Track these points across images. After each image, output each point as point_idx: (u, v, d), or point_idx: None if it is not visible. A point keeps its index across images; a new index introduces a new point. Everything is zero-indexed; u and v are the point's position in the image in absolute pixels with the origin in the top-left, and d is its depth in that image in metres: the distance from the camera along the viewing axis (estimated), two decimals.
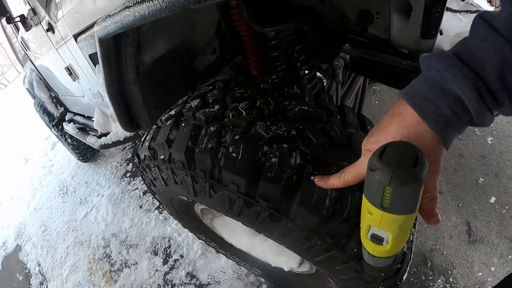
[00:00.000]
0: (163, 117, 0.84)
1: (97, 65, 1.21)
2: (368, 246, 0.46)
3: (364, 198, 0.43)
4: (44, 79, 2.19)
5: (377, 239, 0.43)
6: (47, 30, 1.48)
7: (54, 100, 2.28)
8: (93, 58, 1.30)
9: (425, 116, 0.39)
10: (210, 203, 0.76)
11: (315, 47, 0.96)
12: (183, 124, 0.75)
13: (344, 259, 0.63)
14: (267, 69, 1.11)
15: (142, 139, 0.89)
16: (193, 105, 0.78)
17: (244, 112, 0.70)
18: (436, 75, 0.38)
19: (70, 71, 1.64)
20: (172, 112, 0.82)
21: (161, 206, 2.21)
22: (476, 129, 2.03)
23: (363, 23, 0.82)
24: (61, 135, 2.54)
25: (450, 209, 1.66)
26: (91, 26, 1.10)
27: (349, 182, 0.50)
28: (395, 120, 0.41)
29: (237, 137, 0.66)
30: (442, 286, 1.40)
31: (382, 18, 0.77)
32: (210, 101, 0.78)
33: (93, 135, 1.85)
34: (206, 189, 0.72)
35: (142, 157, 0.86)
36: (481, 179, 1.76)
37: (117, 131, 1.60)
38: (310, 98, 0.77)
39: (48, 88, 2.23)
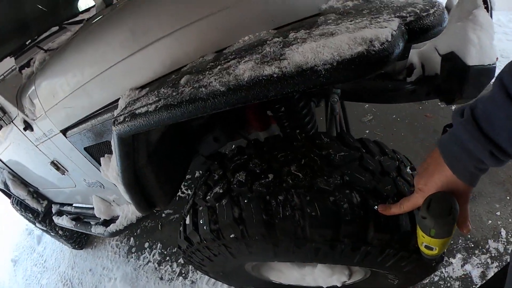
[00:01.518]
0: (209, 197, 0.88)
1: (102, 158, 1.19)
2: (424, 251, 0.66)
3: (418, 227, 0.63)
4: (19, 175, 2.05)
5: (428, 248, 0.64)
6: (24, 129, 1.41)
7: (35, 195, 2.14)
8: (90, 150, 1.29)
9: (457, 173, 0.54)
10: (291, 257, 0.85)
11: (311, 92, 1.09)
12: (245, 200, 0.81)
13: (408, 256, 0.79)
14: (266, 118, 1.23)
15: (186, 225, 0.94)
16: (242, 179, 0.84)
17: (300, 174, 0.79)
18: (464, 142, 0.52)
19: (57, 165, 1.59)
20: (219, 190, 0.87)
21: (184, 272, 2.16)
22: (440, 103, 2.30)
23: None
24: (50, 229, 2.37)
25: None
26: (85, 120, 1.11)
27: (406, 211, 0.67)
28: (437, 171, 0.56)
29: (308, 198, 0.75)
30: (463, 244, 1.58)
31: None
32: (257, 171, 0.84)
33: (97, 224, 1.77)
34: (290, 249, 0.80)
35: (196, 240, 0.91)
36: None
37: (127, 214, 1.57)
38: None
39: (25, 184, 2.09)
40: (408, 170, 0.87)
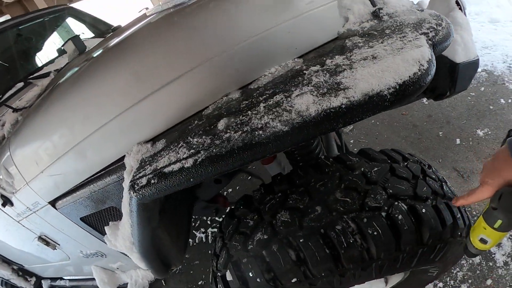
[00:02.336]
0: (251, 246, 0.81)
1: (108, 227, 1.03)
2: (476, 244, 0.68)
3: (482, 219, 0.64)
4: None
5: (483, 241, 0.65)
6: (3, 205, 1.22)
7: (21, 273, 1.89)
8: (88, 220, 1.14)
9: None
10: (354, 282, 0.83)
11: None
12: (301, 240, 0.76)
13: (454, 244, 0.85)
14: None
15: (229, 281, 0.85)
16: (287, 219, 0.79)
17: (347, 198, 0.77)
18: None
19: (46, 241, 1.40)
20: (263, 236, 0.81)
21: None
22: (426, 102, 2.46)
23: None
24: None
25: (437, 168, 1.99)
26: (80, 186, 0.97)
27: (471, 202, 0.70)
28: (505, 168, 0.60)
29: (364, 220, 0.73)
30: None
31: None
32: (301, 206, 0.81)
33: None
34: (356, 274, 0.78)
35: None
36: (440, 132, 2.17)
37: (137, 280, 1.44)
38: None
39: (8, 262, 1.85)
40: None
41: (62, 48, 1.51)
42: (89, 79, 0.84)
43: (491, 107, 2.21)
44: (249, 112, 0.62)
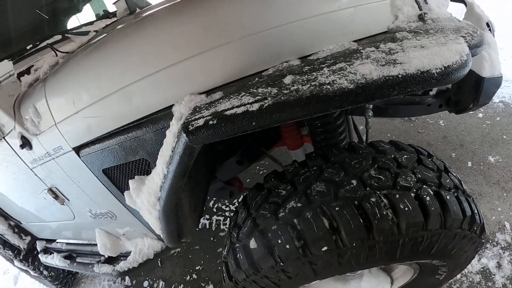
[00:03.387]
0: (283, 213, 0.86)
1: (132, 181, 1.03)
2: None
3: None
4: None
5: None
6: (21, 146, 1.18)
7: (16, 230, 1.89)
8: (110, 173, 1.14)
9: None
10: (377, 262, 0.89)
11: (346, 109, 1.19)
12: (336, 208, 0.81)
13: (472, 236, 0.93)
14: (300, 135, 1.31)
15: (252, 249, 0.89)
16: (322, 189, 0.85)
17: (381, 176, 0.84)
18: None
19: (55, 194, 1.40)
20: (296, 204, 0.86)
21: None
22: (428, 119, 2.61)
23: None
24: (32, 269, 2.09)
25: None
26: (115, 133, 0.97)
27: None
28: None
29: (397, 196, 0.81)
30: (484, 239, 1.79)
31: None
32: (336, 179, 0.87)
33: (99, 263, 1.58)
34: (382, 250, 0.84)
35: (268, 265, 0.87)
36: (453, 154, 2.27)
37: (141, 249, 1.42)
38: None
39: (5, 216, 1.85)
40: None
41: (114, 4, 1.58)
42: (153, 25, 0.86)
43: (505, 137, 2.32)
44: (314, 73, 0.70)
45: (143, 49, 0.84)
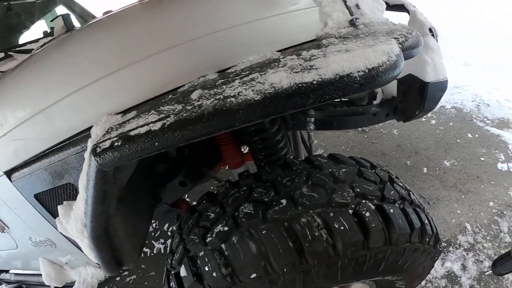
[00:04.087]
0: (210, 239, 0.76)
1: (61, 206, 0.94)
2: None
3: None
4: None
5: None
6: None
7: None
8: (41, 198, 1.04)
9: None
10: (318, 284, 0.78)
11: (285, 121, 1.12)
12: (263, 232, 0.71)
13: (423, 248, 0.85)
14: (240, 153, 1.22)
15: (182, 277, 0.79)
16: (250, 211, 0.76)
17: (314, 194, 0.75)
18: None
19: None
20: (223, 228, 0.76)
21: None
22: (382, 129, 2.59)
23: None
24: None
25: None
26: (41, 156, 0.89)
27: None
28: None
29: (331, 214, 0.72)
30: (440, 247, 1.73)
31: None
32: (265, 199, 0.77)
33: None
34: (320, 273, 0.74)
35: None
36: (408, 161, 2.23)
37: (85, 279, 1.31)
38: None
39: None
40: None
41: (51, 22, 1.46)
42: (70, 44, 0.81)
43: (459, 141, 2.31)
44: (224, 86, 0.60)
45: (62, 68, 0.80)
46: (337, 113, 1.19)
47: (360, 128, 2.63)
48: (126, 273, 2.05)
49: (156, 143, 0.56)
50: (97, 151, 0.60)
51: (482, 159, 2.15)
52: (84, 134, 0.79)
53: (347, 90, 0.53)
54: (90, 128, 0.77)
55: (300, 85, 0.52)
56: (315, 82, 0.52)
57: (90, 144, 0.73)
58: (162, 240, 2.07)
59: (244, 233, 0.72)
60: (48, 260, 1.35)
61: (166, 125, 0.55)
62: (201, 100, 0.57)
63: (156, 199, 1.24)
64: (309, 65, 0.57)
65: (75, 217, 0.89)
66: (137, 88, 0.73)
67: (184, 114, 0.55)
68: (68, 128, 0.81)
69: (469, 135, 2.37)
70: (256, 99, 0.52)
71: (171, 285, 0.84)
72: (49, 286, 1.42)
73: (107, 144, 0.60)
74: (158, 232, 2.13)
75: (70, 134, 0.82)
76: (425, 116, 2.59)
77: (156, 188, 1.22)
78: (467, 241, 1.66)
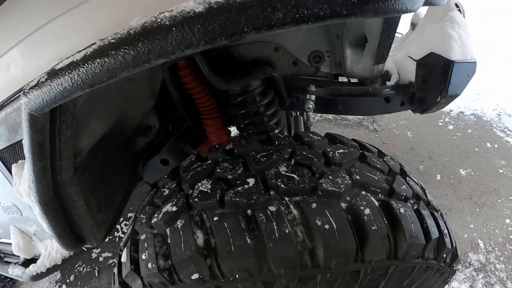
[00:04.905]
0: (155, 219, 0.56)
1: (15, 165, 0.84)
2: None
3: None
4: None
5: None
6: None
7: None
8: (3, 157, 0.90)
9: None
10: None
11: (280, 97, 0.90)
12: (215, 218, 0.49)
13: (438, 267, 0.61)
14: (226, 131, 1.02)
15: (122, 263, 0.61)
16: (206, 189, 0.54)
17: (294, 175, 0.52)
18: None
19: None
20: (171, 208, 0.56)
21: None
22: (395, 130, 2.29)
23: (316, 64, 0.84)
24: None
25: None
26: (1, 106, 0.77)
27: None
28: None
29: (313, 205, 0.48)
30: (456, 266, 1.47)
31: (333, 55, 0.82)
32: (229, 177, 0.55)
33: (15, 264, 1.30)
34: None
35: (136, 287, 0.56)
36: (420, 166, 1.94)
37: (50, 252, 1.16)
38: None
39: None
40: None
41: None
42: None
43: (477, 149, 2.00)
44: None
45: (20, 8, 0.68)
46: (343, 91, 0.92)
47: (371, 127, 2.34)
48: (109, 254, 1.92)
49: (77, 76, 0.45)
50: (25, 91, 0.52)
51: (501, 171, 1.85)
52: None
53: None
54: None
55: None
56: None
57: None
58: None
59: (192, 218, 0.50)
60: (19, 229, 1.21)
61: (88, 53, 0.45)
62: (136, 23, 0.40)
63: (134, 177, 1.07)
64: None
65: (25, 177, 0.77)
66: (87, 29, 0.58)
67: (109, 39, 0.43)
68: (23, 76, 0.69)
69: (488, 144, 2.06)
70: (197, 11, 0.34)
71: (115, 270, 0.66)
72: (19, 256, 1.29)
73: (34, 82, 0.52)
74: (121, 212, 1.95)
75: (25, 82, 0.68)
76: (442, 120, 2.29)
77: (134, 165, 1.05)
78: (478, 260, 1.40)
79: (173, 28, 0.34)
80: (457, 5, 0.89)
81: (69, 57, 0.49)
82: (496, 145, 2.05)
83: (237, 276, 0.45)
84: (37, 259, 1.24)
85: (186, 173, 0.61)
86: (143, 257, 0.52)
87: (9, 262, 1.39)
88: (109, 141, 0.88)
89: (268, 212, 0.46)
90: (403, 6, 0.36)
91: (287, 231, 0.44)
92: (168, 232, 0.52)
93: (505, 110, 2.45)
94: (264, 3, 0.31)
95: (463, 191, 1.71)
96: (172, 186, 0.60)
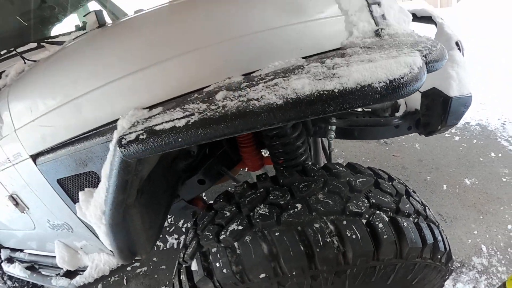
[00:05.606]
0: (224, 236, 0.78)
1: (82, 192, 0.99)
2: None
3: None
4: None
5: None
6: None
7: None
8: (64, 183, 1.10)
9: None
10: None
11: (306, 127, 1.13)
12: (276, 234, 0.73)
13: (434, 265, 0.85)
14: (260, 156, 1.24)
15: (193, 271, 0.81)
16: (265, 212, 0.78)
17: (329, 200, 0.77)
18: None
19: (16, 201, 1.34)
20: (237, 227, 0.78)
21: None
22: (404, 142, 2.54)
23: None
24: None
25: None
26: (67, 144, 0.94)
27: None
28: None
29: (344, 222, 0.73)
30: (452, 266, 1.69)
31: None
32: (281, 202, 0.79)
33: (58, 276, 1.49)
34: (328, 281, 0.76)
35: None
36: (428, 177, 2.19)
37: (98, 265, 1.34)
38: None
39: None
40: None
41: (84, 16, 1.53)
42: (103, 39, 0.87)
43: (481, 159, 2.25)
44: (248, 89, 0.62)
45: (93, 62, 0.85)
46: (358, 122, 1.19)
47: (381, 140, 2.59)
48: (137, 264, 2.10)
49: (180, 139, 0.59)
50: (123, 142, 0.64)
51: (504, 179, 2.08)
52: (110, 126, 0.84)
53: (367, 100, 0.55)
54: (116, 120, 0.80)
55: (321, 92, 0.54)
56: (336, 90, 0.54)
57: (116, 135, 0.77)
58: (176, 236, 2.12)
59: (257, 234, 0.74)
60: (64, 244, 1.41)
61: (190, 123, 0.58)
62: (225, 101, 0.60)
63: (174, 195, 1.27)
64: (332, 73, 0.58)
65: (95, 204, 0.93)
66: (164, 86, 0.77)
67: (208, 113, 0.58)
68: (95, 118, 0.85)
69: (493, 154, 2.30)
70: (278, 103, 0.54)
71: (181, 278, 0.87)
72: (61, 268, 1.48)
73: (132, 136, 0.64)
74: (173, 228, 2.18)
75: (97, 124, 0.86)
76: (448, 131, 2.55)
77: (175, 184, 1.25)
78: (481, 263, 1.61)
79: (262, 115, 0.55)
80: (457, 43, 1.08)
81: (168, 121, 0.62)
82: (500, 154, 2.29)
83: (293, 273, 0.71)
84: (80, 270, 1.44)
85: (243, 199, 0.85)
86: (217, 265, 0.75)
87: (43, 274, 1.60)
88: (158, 166, 1.05)
89: (314, 228, 0.71)
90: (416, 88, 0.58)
91: (327, 240, 0.69)
92: (236, 245, 0.75)
93: (510, 119, 2.68)
94: (323, 101, 0.54)
95: (467, 200, 1.94)
96: (233, 209, 0.84)
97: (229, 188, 2.26)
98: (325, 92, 0.54)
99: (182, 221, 2.22)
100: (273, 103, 0.54)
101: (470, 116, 2.74)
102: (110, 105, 0.82)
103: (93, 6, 2.34)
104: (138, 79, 0.77)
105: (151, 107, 0.78)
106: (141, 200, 0.98)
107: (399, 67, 0.57)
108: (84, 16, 1.60)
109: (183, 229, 2.16)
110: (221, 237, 0.79)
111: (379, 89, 0.55)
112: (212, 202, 0.99)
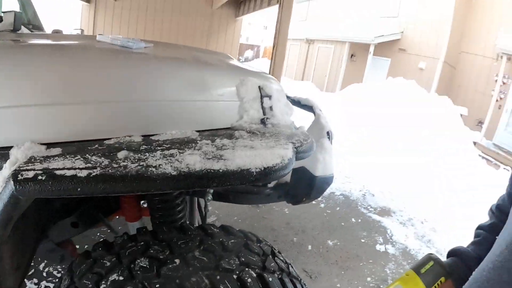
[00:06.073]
0: (104, 286, 0.80)
1: None
2: None
3: None
4: None
5: None
6: None
7: None
8: None
9: None
10: None
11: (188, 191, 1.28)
12: (157, 286, 0.80)
13: None
14: (139, 208, 1.33)
15: None
16: (145, 265, 0.85)
17: (204, 258, 0.89)
18: None
19: None
20: (118, 277, 0.81)
21: None
22: (274, 206, 2.93)
23: None
24: None
25: None
26: None
27: None
28: None
29: (218, 277, 0.85)
30: None
31: None
32: (161, 256, 0.88)
33: None
34: None
35: None
36: (294, 238, 2.56)
37: None
38: None
39: None
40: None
41: (3, 12, 1.35)
42: (15, 58, 0.83)
43: (343, 224, 2.78)
44: (147, 153, 0.75)
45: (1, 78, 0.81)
46: (234, 188, 1.39)
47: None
48: None
49: (79, 189, 0.65)
50: (19, 178, 0.64)
51: (363, 240, 2.61)
52: (2, 152, 0.79)
53: (244, 181, 0.74)
54: (9, 148, 0.78)
55: (209, 170, 0.71)
56: (221, 171, 0.71)
57: (8, 166, 0.74)
58: (35, 280, 1.84)
59: (137, 285, 0.80)
60: None
61: (91, 175, 0.65)
62: (126, 161, 0.70)
63: (43, 234, 1.21)
64: (219, 154, 0.77)
65: None
66: (65, 127, 0.81)
67: (110, 170, 0.66)
68: None
69: (353, 219, 2.89)
70: (172, 174, 0.69)
71: None
72: None
73: (30, 174, 0.65)
74: (33, 270, 1.89)
75: None
76: (315, 200, 3.06)
77: (46, 223, 1.19)
78: None
79: (157, 181, 0.67)
80: (328, 133, 1.32)
81: (70, 168, 0.65)
82: (359, 220, 2.88)
83: None
84: None
85: (123, 250, 0.90)
86: None
87: None
88: (34, 201, 1.04)
89: (191, 281, 0.82)
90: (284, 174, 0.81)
91: None
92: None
93: (370, 191, 3.45)
94: (209, 178, 0.71)
95: (330, 258, 2.33)
96: (113, 260, 0.87)
97: (104, 237, 2.14)
98: (211, 170, 0.70)
99: (43, 264, 1.95)
100: (169, 173, 0.67)
101: (336, 187, 3.40)
102: (6, 130, 0.80)
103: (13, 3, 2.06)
104: (42, 113, 0.79)
105: (49, 145, 0.79)
106: (15, 236, 0.93)
107: (273, 157, 0.79)
108: (3, 12, 1.40)
109: (44, 274, 1.90)
110: (101, 286, 0.81)
111: (255, 174, 0.74)
112: (88, 249, 0.99)
